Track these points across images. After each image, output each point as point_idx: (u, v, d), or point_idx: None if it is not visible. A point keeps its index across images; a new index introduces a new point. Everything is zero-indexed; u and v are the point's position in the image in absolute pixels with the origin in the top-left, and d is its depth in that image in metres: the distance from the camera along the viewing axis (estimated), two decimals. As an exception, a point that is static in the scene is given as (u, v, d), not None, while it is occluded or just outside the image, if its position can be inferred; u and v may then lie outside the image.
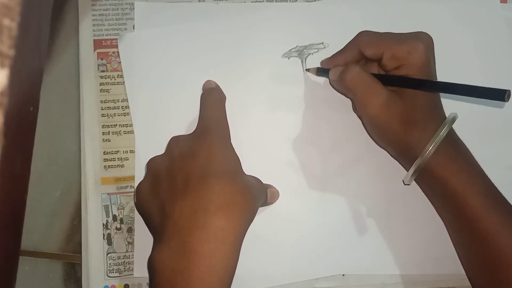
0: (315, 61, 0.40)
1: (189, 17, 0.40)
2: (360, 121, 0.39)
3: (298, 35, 0.40)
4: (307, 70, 0.39)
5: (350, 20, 0.40)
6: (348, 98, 0.39)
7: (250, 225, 0.32)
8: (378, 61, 0.35)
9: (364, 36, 0.36)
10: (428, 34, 0.35)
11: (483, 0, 0.42)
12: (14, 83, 0.15)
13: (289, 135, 0.39)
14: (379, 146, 0.38)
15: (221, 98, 0.37)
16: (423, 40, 0.34)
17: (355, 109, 0.38)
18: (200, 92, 0.39)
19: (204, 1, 0.41)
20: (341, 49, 0.37)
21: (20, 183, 0.17)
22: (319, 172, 0.38)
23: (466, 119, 0.39)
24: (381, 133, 0.36)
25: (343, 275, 0.37)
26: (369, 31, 0.36)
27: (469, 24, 0.41)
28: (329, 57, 0.38)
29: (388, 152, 0.38)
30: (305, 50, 0.40)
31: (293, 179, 0.38)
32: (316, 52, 0.40)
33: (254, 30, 0.40)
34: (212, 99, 0.37)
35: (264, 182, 0.36)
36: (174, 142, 0.34)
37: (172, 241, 0.29)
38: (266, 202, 0.36)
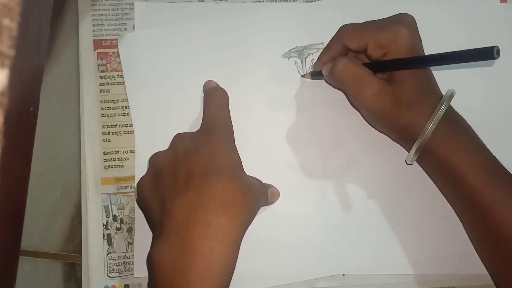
0: (315, 61, 0.40)
1: (189, 17, 0.40)
2: (359, 120, 0.39)
3: (298, 35, 0.40)
4: (303, 76, 0.39)
5: (350, 20, 0.40)
6: (342, 92, 0.39)
7: (249, 224, 0.32)
8: (364, 51, 0.35)
9: (345, 30, 0.36)
10: (409, 15, 0.35)
11: (483, 0, 0.42)
12: (14, 83, 0.15)
13: (289, 135, 0.39)
14: (380, 132, 0.38)
15: (225, 98, 0.37)
16: (405, 23, 0.33)
17: (350, 101, 0.38)
18: (200, 92, 0.39)
19: (204, 1, 0.41)
20: (325, 47, 0.37)
21: (20, 183, 0.17)
22: (319, 171, 0.38)
23: (465, 117, 0.39)
24: (378, 120, 0.36)
25: (343, 275, 0.37)
26: (350, 24, 0.36)
27: (469, 24, 0.41)
28: (317, 58, 0.38)
29: (389, 137, 0.38)
30: (305, 50, 0.40)
31: (293, 179, 0.38)
32: (316, 52, 0.40)
33: (254, 30, 0.40)
34: (216, 99, 0.37)
35: (264, 182, 0.36)
36: (179, 139, 0.34)
37: (171, 237, 0.29)
38: (266, 202, 0.36)
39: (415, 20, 0.35)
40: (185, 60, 0.39)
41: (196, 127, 0.36)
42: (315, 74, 0.38)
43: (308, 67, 0.40)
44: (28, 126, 0.17)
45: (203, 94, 0.39)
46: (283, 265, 0.37)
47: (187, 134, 0.35)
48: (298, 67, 0.40)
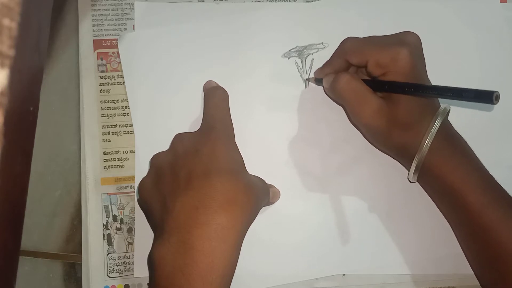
0: (315, 61, 0.40)
1: (189, 17, 0.40)
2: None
3: (298, 35, 0.40)
4: (307, 79, 0.39)
5: (350, 20, 0.41)
6: (342, 107, 0.39)
7: (251, 224, 0.32)
8: (364, 68, 0.35)
9: (347, 44, 0.36)
10: (414, 34, 0.34)
11: (483, 0, 0.42)
12: (14, 83, 0.15)
13: (289, 135, 0.39)
14: (379, 150, 0.38)
15: (225, 96, 0.37)
16: (407, 44, 0.33)
17: (349, 118, 0.38)
18: (200, 92, 0.39)
19: (204, 1, 0.41)
20: (329, 59, 0.37)
21: (20, 183, 0.17)
22: (319, 172, 0.38)
23: (465, 118, 0.39)
24: (377, 139, 0.36)
25: (343, 275, 0.37)
26: (353, 37, 0.36)
27: (469, 23, 0.41)
28: (320, 67, 0.38)
29: (389, 155, 0.38)
30: (305, 50, 0.40)
31: (293, 179, 0.38)
32: (316, 52, 0.40)
33: (254, 30, 0.40)
34: (216, 98, 0.37)
35: (264, 182, 0.36)
36: (179, 139, 0.34)
37: (172, 238, 0.29)
38: (267, 202, 0.36)
39: (419, 41, 0.34)
40: (185, 60, 0.39)
41: (196, 127, 0.36)
42: (319, 81, 0.38)
43: (308, 67, 0.40)
44: (28, 126, 0.17)
45: (203, 94, 0.39)
46: (283, 265, 0.37)
47: (187, 134, 0.35)
48: (298, 67, 0.40)
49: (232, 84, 0.38)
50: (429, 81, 0.35)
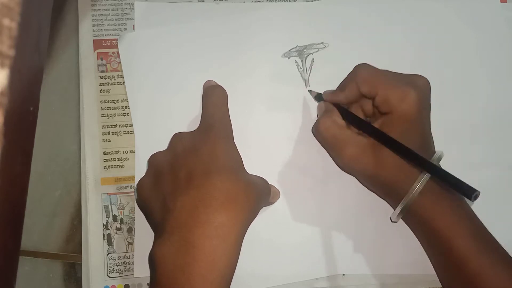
0: (316, 61, 0.40)
1: (189, 17, 0.40)
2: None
3: (298, 35, 0.40)
4: (310, 91, 0.39)
5: (350, 20, 0.41)
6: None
7: (251, 222, 0.32)
8: (372, 99, 0.34)
9: (361, 70, 0.35)
10: (425, 79, 0.34)
11: (483, 0, 0.42)
12: (14, 83, 0.15)
13: (289, 135, 0.39)
14: (367, 189, 0.37)
15: (224, 96, 0.37)
16: (417, 87, 0.33)
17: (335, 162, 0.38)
18: (200, 92, 0.39)
19: (204, 1, 0.41)
20: (341, 85, 0.37)
21: (20, 183, 0.17)
22: (319, 171, 0.38)
23: (466, 118, 0.39)
24: (362, 179, 0.37)
25: (343, 275, 0.37)
26: (367, 65, 0.35)
27: (469, 23, 0.41)
28: (332, 92, 0.37)
29: (375, 193, 0.37)
30: (305, 50, 0.40)
31: (293, 179, 0.38)
32: (316, 52, 0.40)
33: (254, 30, 0.40)
34: (215, 97, 0.37)
35: (264, 182, 0.36)
36: (177, 138, 0.34)
37: (173, 236, 0.29)
38: (267, 202, 0.36)
39: (429, 85, 0.34)
40: (185, 60, 0.39)
41: (196, 127, 0.36)
42: (320, 98, 0.38)
43: (309, 66, 0.40)
44: (28, 126, 0.17)
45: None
46: (283, 265, 0.37)
47: (185, 133, 0.35)
48: (298, 67, 0.40)
49: (232, 84, 0.38)
50: (430, 130, 0.35)
